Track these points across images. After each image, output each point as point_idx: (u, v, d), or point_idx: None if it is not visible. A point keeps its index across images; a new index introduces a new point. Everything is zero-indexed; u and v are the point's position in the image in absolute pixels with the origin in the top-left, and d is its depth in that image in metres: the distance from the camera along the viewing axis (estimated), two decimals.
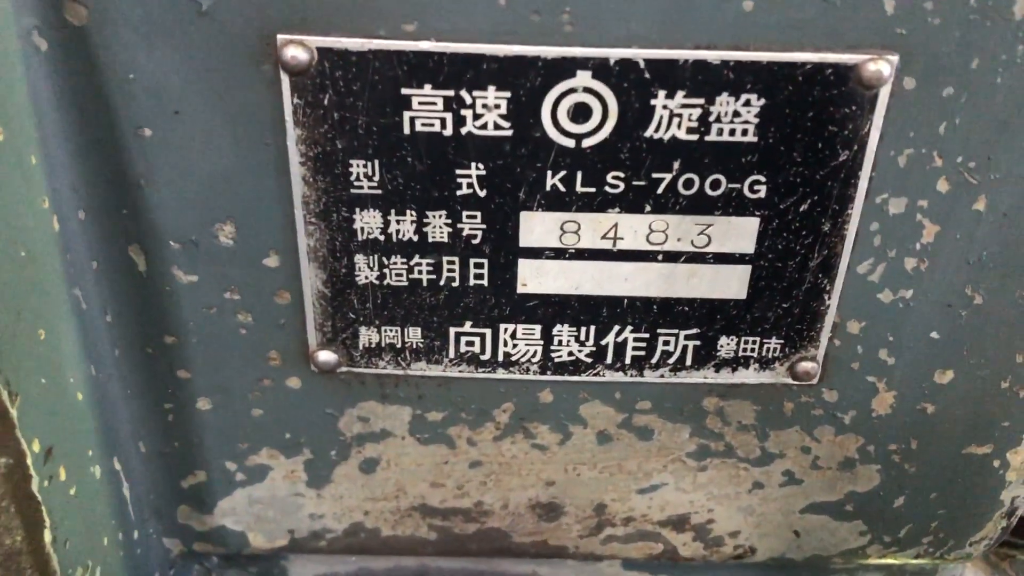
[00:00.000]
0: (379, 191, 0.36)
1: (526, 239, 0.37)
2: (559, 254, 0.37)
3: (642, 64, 0.33)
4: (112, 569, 0.41)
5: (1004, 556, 0.56)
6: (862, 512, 0.45)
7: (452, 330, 0.39)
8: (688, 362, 0.40)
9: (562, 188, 0.36)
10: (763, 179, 0.35)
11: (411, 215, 0.36)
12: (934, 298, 0.38)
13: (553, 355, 0.40)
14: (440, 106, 0.34)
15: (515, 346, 0.40)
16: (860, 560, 0.47)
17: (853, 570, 0.51)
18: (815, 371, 0.40)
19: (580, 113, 0.34)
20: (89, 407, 0.39)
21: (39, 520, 0.35)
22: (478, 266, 0.38)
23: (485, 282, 0.38)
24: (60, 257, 0.36)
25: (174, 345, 0.40)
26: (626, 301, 0.39)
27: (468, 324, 0.39)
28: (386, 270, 0.38)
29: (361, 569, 0.51)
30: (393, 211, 0.36)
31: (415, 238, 0.37)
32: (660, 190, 0.36)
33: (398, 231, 0.37)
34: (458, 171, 0.35)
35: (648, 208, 0.36)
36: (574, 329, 0.39)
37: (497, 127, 0.34)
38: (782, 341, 0.39)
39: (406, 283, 0.38)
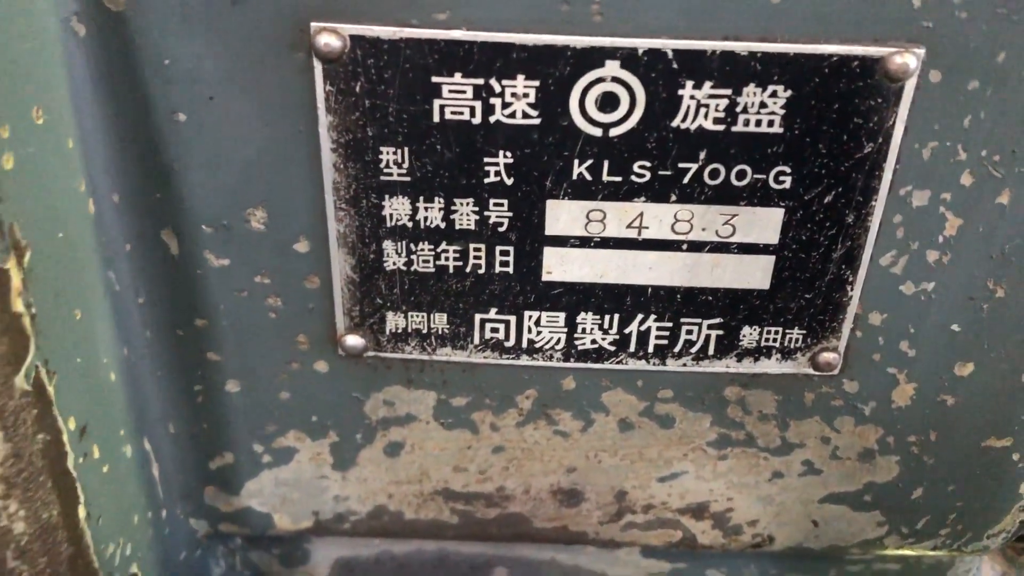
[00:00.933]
0: (408, 178, 0.36)
1: (552, 227, 0.37)
2: (584, 243, 0.38)
3: (670, 54, 0.33)
4: (141, 547, 0.42)
5: (1021, 551, 0.56)
6: (880, 503, 0.45)
7: (477, 316, 0.40)
8: (710, 351, 0.40)
9: (588, 177, 0.36)
10: (788, 170, 0.36)
11: (439, 202, 0.37)
12: (956, 291, 0.39)
13: (576, 343, 0.41)
14: (470, 94, 0.34)
15: (539, 333, 0.40)
16: (878, 551, 0.48)
17: (870, 561, 0.51)
18: (836, 362, 0.40)
19: (608, 102, 0.34)
20: (121, 388, 0.39)
21: (74, 496, 0.36)
22: (504, 253, 0.38)
23: (510, 269, 0.39)
24: (95, 239, 0.37)
25: (205, 328, 0.40)
26: (650, 290, 0.39)
27: (493, 311, 0.40)
28: (413, 256, 0.38)
29: (383, 553, 0.52)
30: (421, 198, 0.37)
31: (442, 225, 0.38)
32: (686, 180, 0.36)
33: (426, 218, 0.37)
34: (486, 159, 0.36)
35: (674, 198, 0.37)
36: (598, 317, 0.40)
37: (525, 116, 0.35)
38: (804, 332, 0.40)
39: (433, 269, 0.39)
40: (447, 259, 0.38)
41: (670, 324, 0.40)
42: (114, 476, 0.39)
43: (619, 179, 0.36)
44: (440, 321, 0.40)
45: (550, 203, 0.37)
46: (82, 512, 0.36)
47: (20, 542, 0.34)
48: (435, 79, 0.34)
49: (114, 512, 0.39)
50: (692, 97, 0.34)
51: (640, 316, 0.40)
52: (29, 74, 0.31)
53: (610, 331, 0.40)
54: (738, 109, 0.35)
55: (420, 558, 0.52)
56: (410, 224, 0.38)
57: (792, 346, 0.40)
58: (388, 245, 0.38)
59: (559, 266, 0.39)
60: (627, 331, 0.40)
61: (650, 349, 0.41)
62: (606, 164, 0.36)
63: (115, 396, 0.39)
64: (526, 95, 0.34)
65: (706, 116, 0.35)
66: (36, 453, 0.33)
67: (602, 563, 0.52)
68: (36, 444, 0.33)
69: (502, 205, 0.37)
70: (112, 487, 0.39)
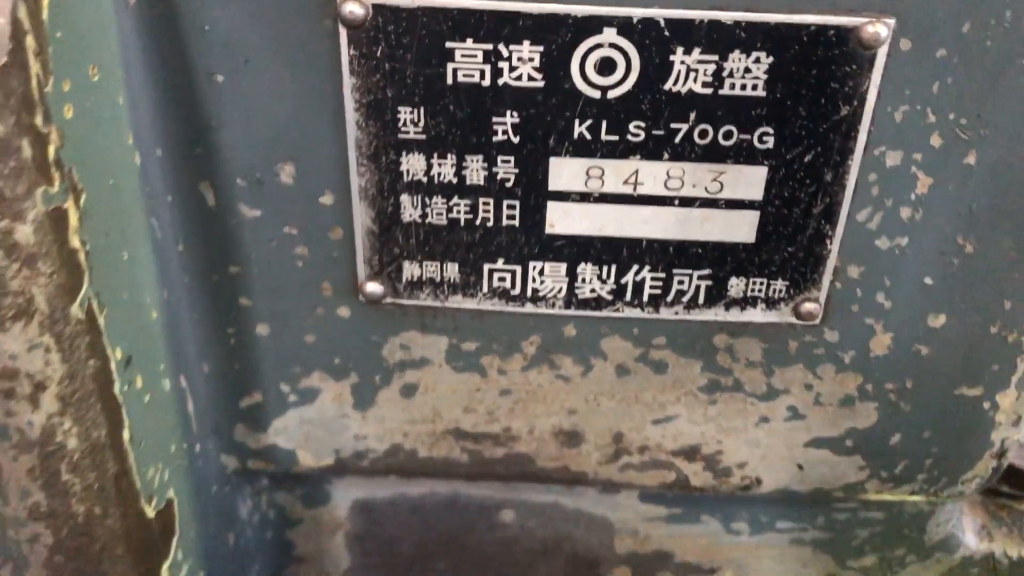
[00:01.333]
0: (423, 136, 0.40)
1: (555, 183, 0.41)
2: (584, 198, 0.41)
3: (662, 23, 0.37)
4: (177, 475, 0.46)
5: (1002, 506, 0.59)
6: (861, 448, 0.48)
7: (486, 266, 0.43)
8: (701, 301, 0.44)
9: (588, 136, 0.39)
10: (771, 131, 0.39)
11: (451, 159, 0.40)
12: (928, 246, 0.42)
13: (577, 292, 0.44)
14: (480, 59, 0.38)
15: (542, 283, 0.44)
16: (860, 495, 0.51)
17: (856, 509, 0.54)
18: (817, 312, 0.44)
19: (606, 67, 0.38)
20: (161, 326, 0.43)
21: (119, 419, 0.39)
22: (510, 207, 0.42)
23: (516, 222, 0.42)
24: (140, 189, 0.40)
25: (238, 274, 0.44)
26: (645, 243, 0.42)
27: (500, 261, 0.43)
28: (428, 209, 0.42)
29: (398, 495, 0.55)
30: (435, 155, 0.40)
31: (454, 180, 0.41)
32: (677, 139, 0.39)
33: (439, 173, 0.41)
34: (494, 119, 0.39)
35: (666, 156, 0.40)
36: (597, 268, 0.43)
37: (531, 79, 0.38)
38: (787, 283, 0.43)
39: (445, 222, 0.42)
40: (458, 212, 0.42)
41: (663, 275, 0.43)
42: (154, 406, 0.43)
43: (616, 138, 0.40)
44: (452, 270, 0.44)
45: (553, 160, 0.40)
46: (126, 434, 0.40)
47: (73, 457, 0.38)
48: (448, 44, 0.37)
49: (154, 439, 0.43)
50: (682, 62, 0.38)
51: (635, 267, 0.43)
52: (87, 36, 0.35)
53: (608, 281, 0.44)
54: (724, 74, 0.38)
55: (433, 500, 0.55)
56: (425, 179, 0.41)
57: (776, 296, 0.43)
58: (405, 199, 0.42)
59: (561, 219, 0.42)
60: (623, 281, 0.43)
61: (645, 298, 0.44)
62: (604, 124, 0.39)
63: (156, 333, 0.43)
64: (531, 59, 0.38)
65: (695, 80, 0.38)
66: (88, 377, 0.37)
67: (603, 507, 0.55)
68: (88, 369, 0.37)
69: (509, 162, 0.40)
70: (152, 416, 0.43)
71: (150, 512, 0.43)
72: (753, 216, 0.41)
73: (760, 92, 0.38)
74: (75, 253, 0.35)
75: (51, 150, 0.33)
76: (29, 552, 0.39)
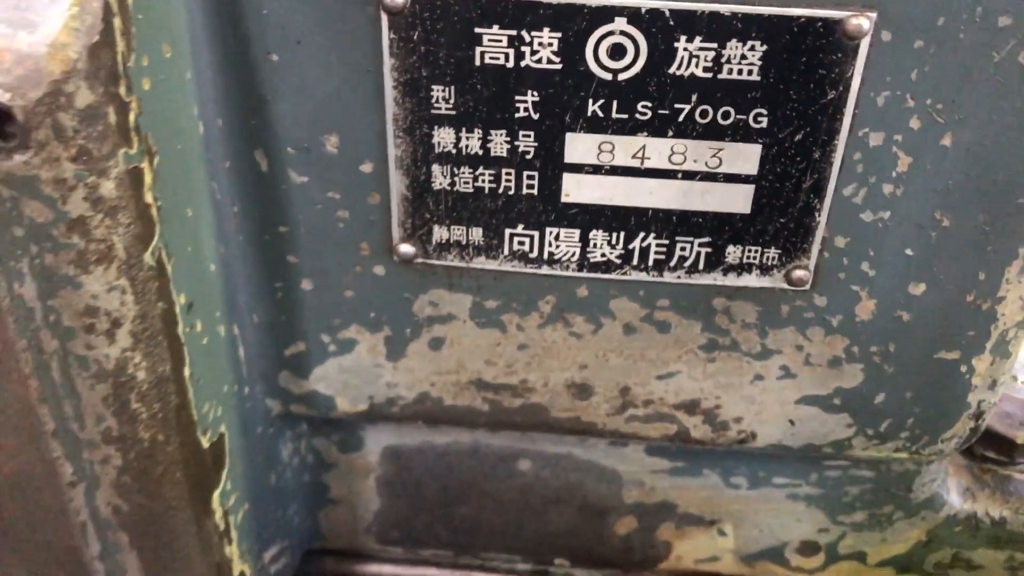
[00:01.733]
0: (453, 112, 0.44)
1: (570, 156, 0.45)
2: (596, 170, 0.45)
3: (667, 13, 0.41)
4: (228, 413, 0.51)
5: (986, 470, 0.63)
6: (848, 406, 0.52)
7: (507, 231, 0.48)
8: (701, 266, 0.48)
9: (600, 114, 0.44)
10: (765, 112, 0.43)
11: (478, 133, 0.45)
12: (908, 220, 0.45)
13: (589, 256, 0.48)
14: (505, 43, 0.42)
15: (558, 247, 0.48)
16: (848, 452, 0.54)
17: (846, 467, 0.58)
18: (807, 278, 0.47)
19: (617, 52, 0.42)
20: (218, 278, 0.48)
21: (181, 357, 0.44)
22: (530, 178, 0.46)
23: (535, 191, 0.46)
24: (203, 155, 0.45)
25: (286, 234, 0.48)
26: (650, 212, 0.46)
27: (520, 227, 0.47)
28: (456, 178, 0.46)
29: (425, 443, 0.60)
30: (464, 129, 0.45)
31: (480, 152, 0.45)
32: (681, 118, 0.43)
33: (467, 146, 0.45)
34: (517, 97, 0.43)
35: (671, 133, 0.44)
36: (607, 234, 0.47)
37: (550, 62, 0.42)
38: (780, 251, 0.47)
39: (472, 190, 0.47)
40: (483, 181, 0.46)
41: (667, 242, 0.47)
42: (211, 349, 0.48)
43: (626, 116, 0.44)
44: (476, 234, 0.48)
45: (569, 135, 0.44)
46: (187, 371, 0.45)
47: (141, 388, 0.42)
48: (477, 30, 0.42)
49: (209, 378, 0.48)
50: (685, 49, 0.42)
51: (642, 234, 0.47)
52: (160, 18, 0.39)
53: (617, 246, 0.48)
54: (723, 60, 0.42)
55: (457, 448, 0.60)
56: (454, 151, 0.45)
57: (769, 263, 0.47)
58: (436, 168, 0.46)
59: (575, 189, 0.46)
60: (631, 247, 0.48)
61: (650, 263, 0.48)
62: (615, 104, 0.43)
63: (213, 284, 0.47)
64: (550, 44, 0.42)
65: (697, 65, 0.42)
66: (156, 317, 0.42)
67: (612, 459, 0.59)
68: (156, 310, 0.42)
69: (529, 136, 0.45)
70: (208, 358, 0.47)
71: (205, 443, 0.48)
72: (749, 189, 0.45)
73: (755, 77, 0.42)
74: (148, 208, 0.40)
75: (131, 117, 0.38)
76: (101, 472, 0.45)
